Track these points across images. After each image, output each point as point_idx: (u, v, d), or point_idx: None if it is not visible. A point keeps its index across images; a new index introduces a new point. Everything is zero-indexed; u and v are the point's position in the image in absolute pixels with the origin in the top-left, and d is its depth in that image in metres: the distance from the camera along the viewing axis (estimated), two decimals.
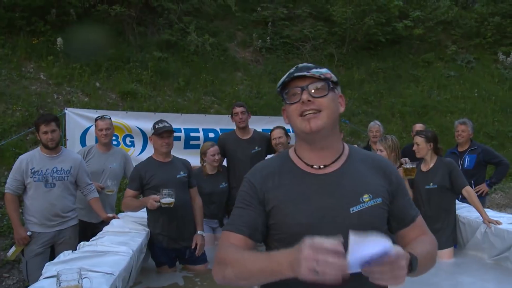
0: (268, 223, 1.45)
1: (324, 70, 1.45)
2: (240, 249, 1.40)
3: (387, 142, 4.46)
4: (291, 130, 7.04)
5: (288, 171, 1.49)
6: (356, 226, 1.32)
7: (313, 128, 1.39)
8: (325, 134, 1.43)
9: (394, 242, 1.50)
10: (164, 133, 3.80)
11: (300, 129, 1.42)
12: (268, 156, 4.70)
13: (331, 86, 1.45)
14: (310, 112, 1.39)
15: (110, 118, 4.74)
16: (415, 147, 4.32)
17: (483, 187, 5.25)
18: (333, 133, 1.47)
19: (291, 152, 1.55)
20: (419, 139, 4.28)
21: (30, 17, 8.79)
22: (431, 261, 1.46)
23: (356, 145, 5.08)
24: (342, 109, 1.51)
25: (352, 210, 1.39)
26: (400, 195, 1.53)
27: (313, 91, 1.41)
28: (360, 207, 1.40)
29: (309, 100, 1.39)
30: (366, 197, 1.41)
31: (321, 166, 1.46)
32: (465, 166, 5.25)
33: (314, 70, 1.43)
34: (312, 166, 1.46)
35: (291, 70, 1.47)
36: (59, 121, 4.04)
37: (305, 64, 1.48)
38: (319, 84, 1.42)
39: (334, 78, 1.47)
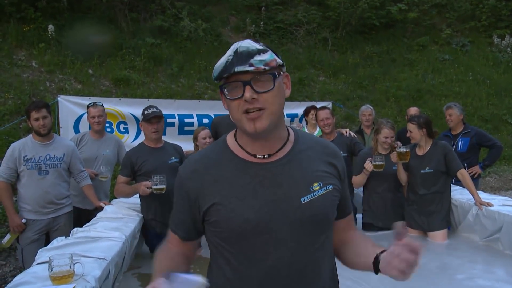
0: (209, 220, 1.31)
1: (267, 57, 1.24)
2: (163, 258, 1.42)
3: (394, 126, 4.44)
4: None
5: (228, 161, 1.33)
6: (308, 216, 1.29)
7: (258, 130, 1.24)
8: (271, 129, 1.28)
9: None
10: (152, 118, 3.78)
11: (244, 128, 1.26)
12: None
13: (277, 75, 1.26)
14: (255, 110, 1.22)
15: (102, 105, 4.71)
16: (408, 134, 4.32)
17: (476, 169, 5.29)
18: (278, 124, 1.32)
19: (229, 140, 1.38)
20: (411, 126, 4.26)
21: (20, 3, 8.68)
22: None
23: (348, 129, 5.09)
24: (288, 92, 1.35)
25: (303, 200, 1.29)
26: (345, 183, 1.46)
27: (257, 86, 1.22)
28: (311, 196, 1.30)
29: (253, 98, 1.21)
30: (316, 186, 1.31)
31: (266, 156, 1.32)
32: (459, 149, 5.27)
33: (257, 59, 1.22)
34: (255, 156, 1.32)
35: (230, 58, 1.24)
36: (50, 108, 4.02)
37: (245, 46, 1.25)
38: (263, 77, 1.23)
39: (280, 61, 1.29)
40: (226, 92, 1.27)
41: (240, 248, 1.29)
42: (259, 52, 1.24)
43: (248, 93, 1.21)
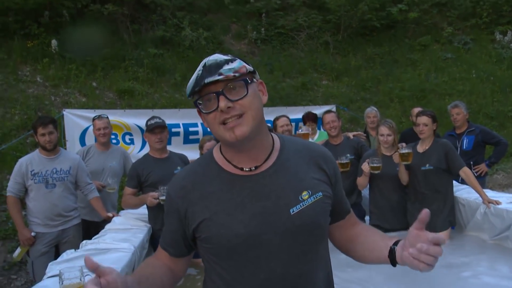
0: (200, 237, 1.30)
1: (236, 65, 1.24)
2: (145, 264, 1.44)
3: (393, 125, 4.39)
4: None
5: (215, 176, 1.32)
6: (298, 227, 1.27)
7: (239, 137, 1.22)
8: (253, 136, 1.26)
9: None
10: (155, 128, 3.78)
11: (224, 138, 1.25)
12: None
13: (249, 81, 1.26)
14: (233, 119, 1.22)
15: (107, 117, 4.76)
16: (422, 128, 4.19)
17: (482, 167, 5.27)
18: (261, 131, 1.29)
19: (215, 154, 1.37)
20: (427, 119, 4.17)
21: (23, 20, 8.80)
22: None
23: (360, 132, 5.10)
24: (265, 98, 1.33)
25: (292, 211, 1.27)
26: (338, 185, 1.43)
27: (230, 94, 1.22)
28: (300, 206, 1.27)
29: (228, 107, 1.21)
30: (305, 194, 1.29)
31: (252, 168, 1.30)
32: (464, 147, 5.26)
33: (226, 68, 1.22)
34: (242, 169, 1.30)
35: (199, 72, 1.25)
36: (57, 123, 4.08)
37: (213, 59, 1.25)
38: (235, 84, 1.23)
39: (250, 68, 1.28)
40: (202, 107, 1.26)
41: (232, 263, 1.28)
42: (227, 62, 1.24)
43: (222, 103, 1.20)
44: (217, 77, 1.21)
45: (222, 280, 1.31)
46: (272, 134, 1.39)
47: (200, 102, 1.26)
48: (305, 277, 1.30)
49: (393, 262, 1.28)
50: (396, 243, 1.28)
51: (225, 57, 1.26)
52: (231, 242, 1.25)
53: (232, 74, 1.22)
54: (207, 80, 1.21)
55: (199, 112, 1.30)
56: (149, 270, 1.37)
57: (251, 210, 1.26)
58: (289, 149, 1.37)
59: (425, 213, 1.16)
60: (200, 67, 1.26)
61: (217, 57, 1.27)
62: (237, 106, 1.22)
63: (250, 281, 1.27)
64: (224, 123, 1.23)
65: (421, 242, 1.15)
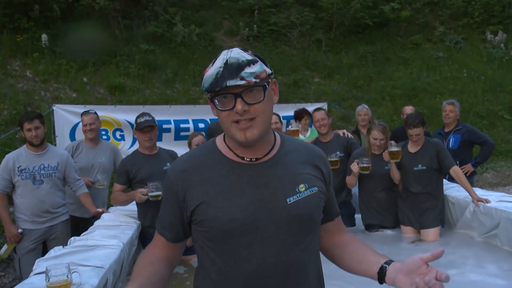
0: (196, 220, 1.33)
1: (257, 69, 1.24)
2: (143, 264, 1.40)
3: (386, 129, 4.38)
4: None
5: (216, 162, 1.35)
6: (293, 217, 1.31)
7: (249, 139, 1.26)
8: (261, 137, 1.30)
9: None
10: (145, 128, 3.75)
11: (234, 137, 1.28)
12: None
13: (267, 86, 1.28)
14: (245, 121, 1.25)
15: (95, 113, 4.71)
16: (415, 138, 4.18)
17: (468, 167, 5.27)
18: (267, 131, 1.34)
19: (218, 142, 1.40)
20: (419, 130, 4.15)
21: (12, 14, 8.71)
22: None
23: (345, 130, 5.09)
24: (276, 98, 1.36)
25: (289, 201, 1.31)
26: (331, 186, 1.48)
27: (247, 97, 1.24)
28: (297, 197, 1.32)
29: (244, 110, 1.23)
30: (302, 187, 1.34)
31: (253, 159, 1.34)
32: (450, 146, 5.26)
33: (247, 71, 1.22)
34: (243, 158, 1.34)
35: (220, 69, 1.23)
36: (43, 118, 4.02)
37: (235, 58, 1.24)
38: (254, 89, 1.25)
39: (269, 70, 1.29)
40: (217, 103, 1.27)
41: (225, 247, 1.31)
42: (249, 63, 1.24)
43: (239, 106, 1.23)
44: (239, 82, 1.21)
45: (214, 265, 1.33)
46: (274, 132, 1.43)
47: (216, 99, 1.27)
48: (297, 267, 1.33)
49: (381, 280, 1.32)
50: (387, 262, 1.33)
51: (247, 57, 1.25)
52: (227, 225, 1.28)
53: (254, 80, 1.23)
54: (229, 84, 1.21)
55: (211, 103, 1.31)
56: (148, 269, 1.38)
57: (249, 196, 1.30)
58: (288, 146, 1.42)
59: (441, 251, 1.21)
60: (221, 64, 1.24)
61: (239, 55, 1.25)
62: (251, 110, 1.25)
63: (242, 267, 1.30)
64: (236, 121, 1.25)
65: (422, 274, 1.20)
